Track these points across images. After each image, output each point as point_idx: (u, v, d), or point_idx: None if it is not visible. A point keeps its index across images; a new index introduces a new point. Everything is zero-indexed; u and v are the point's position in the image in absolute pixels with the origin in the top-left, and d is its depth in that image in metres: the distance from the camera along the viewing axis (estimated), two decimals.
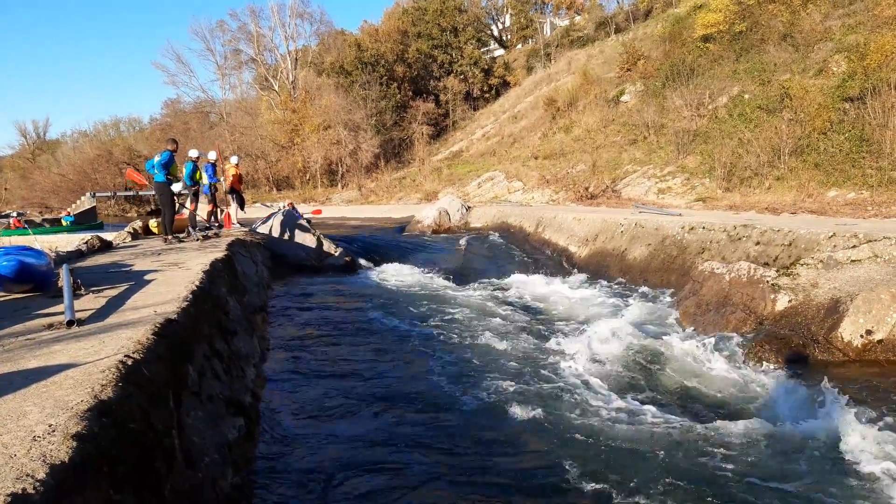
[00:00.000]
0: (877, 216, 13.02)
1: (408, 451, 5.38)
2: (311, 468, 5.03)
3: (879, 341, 7.50)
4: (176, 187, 11.88)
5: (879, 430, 5.25)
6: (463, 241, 20.39)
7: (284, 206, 21.12)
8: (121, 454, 2.95)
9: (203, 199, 15.93)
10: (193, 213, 13.55)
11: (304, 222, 16.64)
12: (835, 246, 9.29)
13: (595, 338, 8.62)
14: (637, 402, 6.48)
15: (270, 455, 5.23)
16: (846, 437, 5.23)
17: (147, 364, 3.76)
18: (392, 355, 8.41)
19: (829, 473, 4.85)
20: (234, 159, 16.43)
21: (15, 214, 31.45)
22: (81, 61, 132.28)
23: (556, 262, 16.78)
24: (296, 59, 51.09)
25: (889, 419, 5.36)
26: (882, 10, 19.84)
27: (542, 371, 7.54)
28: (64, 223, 27.21)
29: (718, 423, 5.84)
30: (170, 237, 12.02)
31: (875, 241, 8.78)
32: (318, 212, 23.12)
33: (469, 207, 27.13)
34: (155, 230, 14.80)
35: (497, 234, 21.76)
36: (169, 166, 11.55)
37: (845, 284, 8.26)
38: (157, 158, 11.62)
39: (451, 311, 11.03)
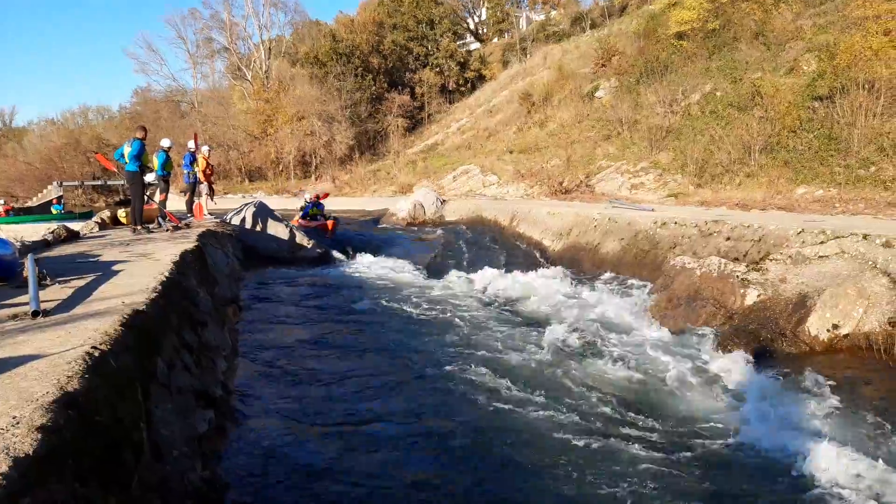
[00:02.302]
0: (844, 213, 13.29)
1: (379, 439, 5.37)
2: (283, 460, 4.99)
3: (845, 335, 7.66)
4: (149, 177, 11.64)
5: (843, 421, 5.36)
6: (439, 232, 20.45)
7: (309, 198, 21.04)
8: (87, 447, 2.89)
9: (186, 188, 15.71)
10: (164, 204, 13.32)
11: (277, 214, 16.50)
12: (803, 242, 9.45)
13: (563, 330, 8.69)
14: (602, 395, 6.53)
15: (241, 447, 5.18)
16: (811, 429, 5.33)
17: (114, 355, 3.68)
18: (365, 346, 8.39)
19: (793, 462, 4.95)
20: (205, 149, 16.17)
21: (2, 202, 30.83)
22: (49, 48, 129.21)
23: (530, 255, 16.84)
24: (269, 49, 50.44)
25: (855, 410, 5.48)
26: (851, 11, 20.17)
27: (512, 361, 7.58)
28: (54, 211, 26.76)
29: (685, 415, 5.92)
30: (139, 227, 11.80)
31: (842, 237, 8.95)
32: (326, 195, 22.20)
33: (444, 201, 27.11)
34: (124, 220, 14.52)
35: (472, 228, 21.77)
36: (141, 155, 11.31)
37: (813, 280, 8.42)
38: (127, 148, 11.35)
39: (424, 303, 11.03)
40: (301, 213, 20.72)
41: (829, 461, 4.87)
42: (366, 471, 4.86)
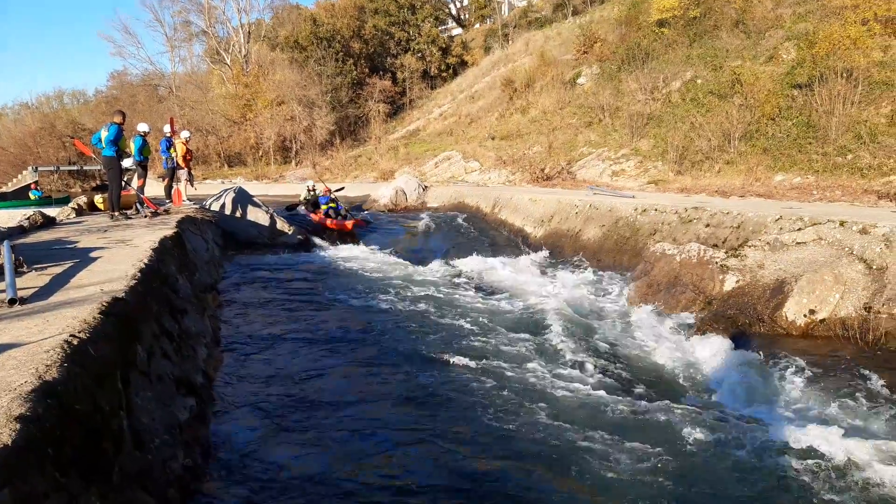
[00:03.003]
0: (821, 200, 13.46)
1: (359, 426, 5.37)
2: (265, 447, 4.98)
3: (822, 320, 7.78)
4: (126, 162, 11.44)
5: (818, 402, 5.46)
6: (424, 216, 20.40)
7: (320, 190, 19.16)
8: (67, 436, 2.86)
9: (164, 173, 15.49)
10: (141, 189, 13.14)
11: (257, 199, 16.35)
12: (781, 228, 9.56)
13: (545, 315, 8.73)
14: (583, 377, 6.59)
15: (223, 435, 5.16)
16: (787, 409, 5.42)
17: (93, 343, 3.64)
18: (346, 333, 8.37)
19: (769, 440, 5.03)
20: (185, 134, 15.95)
21: None
22: (23, 30, 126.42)
23: (512, 242, 16.88)
24: (248, 33, 49.71)
25: (829, 392, 5.57)
26: (830, 0, 20.33)
27: (494, 346, 7.61)
28: (32, 197, 26.27)
29: (665, 397, 5.99)
30: (116, 213, 11.63)
31: (819, 224, 9.07)
32: (327, 190, 18.92)
33: (426, 187, 27.03)
34: (101, 206, 14.31)
35: (454, 215, 21.75)
36: (118, 140, 11.12)
37: (790, 266, 8.53)
38: (104, 132, 11.15)
39: (406, 290, 11.02)
40: (312, 207, 18.81)
41: (802, 439, 4.97)
42: (346, 457, 4.86)
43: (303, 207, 19.43)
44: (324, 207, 18.17)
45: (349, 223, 17.27)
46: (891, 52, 17.51)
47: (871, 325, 7.40)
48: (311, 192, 19.66)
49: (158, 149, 14.95)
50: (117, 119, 11.30)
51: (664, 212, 12.56)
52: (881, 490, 4.38)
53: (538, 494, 4.43)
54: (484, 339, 8.04)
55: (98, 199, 14.68)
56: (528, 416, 5.64)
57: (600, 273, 12.01)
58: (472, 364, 7.05)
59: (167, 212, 13.03)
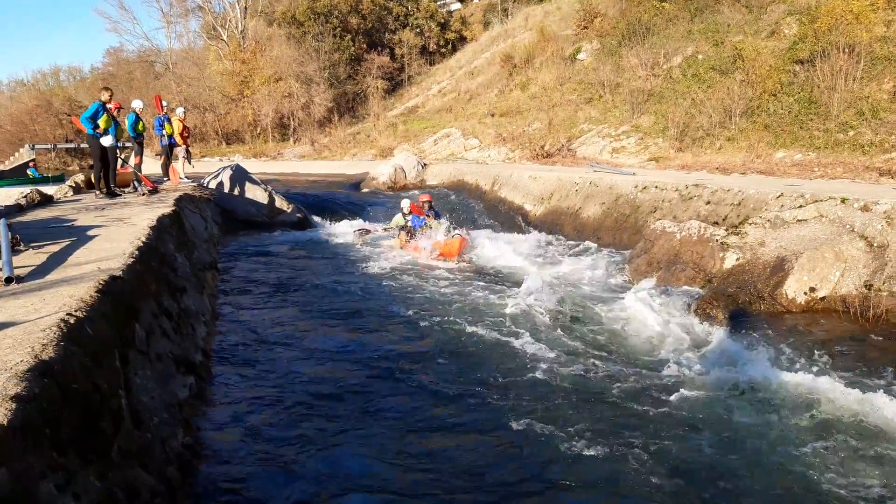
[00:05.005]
0: (823, 177, 13.39)
1: (357, 405, 5.37)
2: (264, 424, 4.98)
3: (822, 298, 7.78)
4: (105, 141, 10.98)
5: (818, 379, 5.46)
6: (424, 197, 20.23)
7: (407, 207, 13.14)
8: (64, 416, 2.84)
9: (161, 151, 15.35)
10: (139, 167, 13.06)
11: (255, 177, 16.26)
12: (782, 206, 9.52)
13: (544, 293, 8.71)
14: (581, 354, 6.58)
15: (222, 413, 5.16)
16: (786, 386, 5.43)
17: (91, 322, 3.61)
18: (346, 311, 8.36)
19: (768, 416, 5.04)
20: (180, 111, 15.82)
21: None
22: (18, 6, 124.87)
23: (512, 220, 16.84)
24: (245, 8, 49.08)
25: (829, 369, 5.57)
26: None
27: (490, 323, 7.60)
28: (30, 175, 26.04)
29: (664, 374, 5.99)
30: (99, 192, 11.50)
31: (821, 201, 9.03)
32: (451, 254, 11.69)
33: (425, 165, 26.92)
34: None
35: (454, 193, 21.68)
36: (97, 118, 10.82)
37: (791, 243, 8.49)
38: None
39: (403, 267, 11.00)
40: (399, 230, 13.03)
41: (804, 416, 4.98)
42: (343, 436, 4.87)
43: (394, 234, 13.30)
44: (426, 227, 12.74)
45: (458, 243, 11.69)
46: (894, 27, 17.31)
47: (872, 303, 7.40)
48: (406, 217, 13.16)
49: (153, 125, 14.79)
50: (103, 96, 11.07)
51: (664, 189, 12.50)
52: (884, 467, 4.39)
53: (531, 474, 4.44)
54: (479, 315, 8.03)
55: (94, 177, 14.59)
56: (519, 396, 5.64)
57: (600, 250, 11.98)
58: (469, 342, 7.05)
59: (164, 190, 12.94)
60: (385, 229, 13.69)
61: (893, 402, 5.08)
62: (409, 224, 12.91)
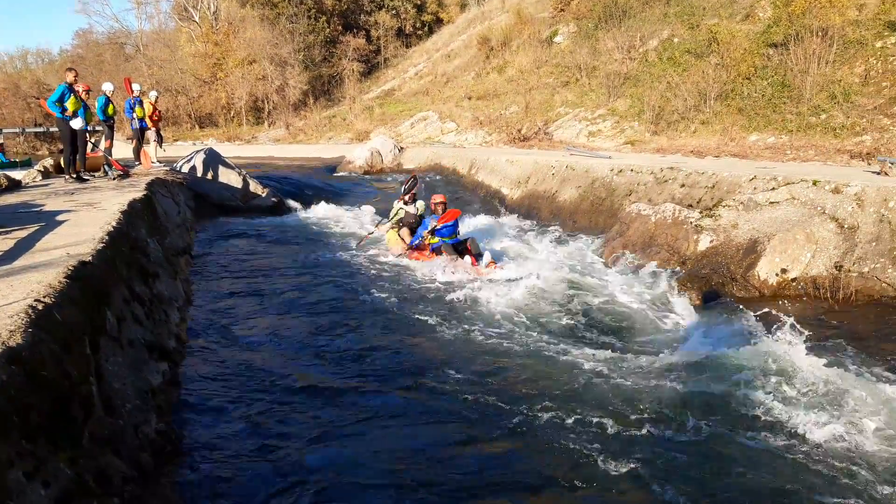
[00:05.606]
0: (795, 160, 13.57)
1: (332, 391, 5.36)
2: (238, 409, 4.95)
3: (793, 279, 7.90)
4: (75, 123, 10.78)
5: (788, 357, 5.55)
6: (398, 181, 20.18)
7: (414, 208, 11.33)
8: (33, 403, 2.79)
9: (132, 134, 15.03)
10: (109, 151, 12.82)
11: (229, 161, 16.03)
12: (755, 188, 9.62)
13: (520, 274, 8.74)
14: (558, 336, 6.63)
15: (196, 399, 5.12)
16: (757, 366, 5.51)
17: (60, 309, 3.54)
18: (321, 297, 8.31)
19: (741, 395, 5.12)
20: (152, 94, 15.51)
21: None
22: None
23: (489, 204, 16.83)
24: None
25: (798, 347, 5.65)
26: None
27: (466, 308, 7.62)
28: None
29: (639, 355, 6.05)
30: (68, 176, 11.30)
31: (793, 183, 9.14)
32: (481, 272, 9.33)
33: (402, 148, 26.80)
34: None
35: (431, 177, 21.60)
36: (64, 100, 10.59)
37: (763, 225, 8.60)
38: None
39: (382, 254, 10.95)
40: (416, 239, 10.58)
41: (773, 392, 5.07)
42: (318, 420, 4.85)
43: (397, 242, 11.16)
44: (434, 240, 10.21)
45: (484, 268, 9.34)
46: (865, 11, 17.52)
47: (842, 284, 7.53)
48: (415, 210, 11.33)
49: (124, 108, 14.49)
50: (68, 77, 10.85)
51: (640, 172, 12.56)
52: (852, 450, 4.49)
53: (516, 465, 4.47)
54: (456, 300, 8.04)
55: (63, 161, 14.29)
56: (502, 378, 5.67)
57: (576, 234, 12.03)
58: (445, 327, 7.05)
59: (136, 174, 12.73)
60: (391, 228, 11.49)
61: (859, 379, 5.20)
62: (431, 233, 10.22)
